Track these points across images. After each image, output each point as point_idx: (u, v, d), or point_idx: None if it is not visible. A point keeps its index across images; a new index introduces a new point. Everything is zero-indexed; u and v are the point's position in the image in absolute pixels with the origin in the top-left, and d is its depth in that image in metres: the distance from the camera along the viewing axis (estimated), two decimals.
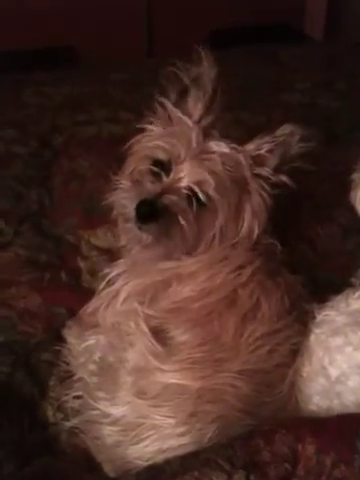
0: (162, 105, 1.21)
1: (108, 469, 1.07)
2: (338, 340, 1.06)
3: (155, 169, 1.15)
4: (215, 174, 1.13)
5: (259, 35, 2.96)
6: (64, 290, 1.37)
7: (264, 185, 1.18)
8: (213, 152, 1.14)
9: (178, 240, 1.15)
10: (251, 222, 1.18)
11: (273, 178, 1.18)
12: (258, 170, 1.18)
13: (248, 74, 2.20)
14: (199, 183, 1.13)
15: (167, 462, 0.97)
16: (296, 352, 1.11)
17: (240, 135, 1.34)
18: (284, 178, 1.19)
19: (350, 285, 1.26)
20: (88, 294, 1.30)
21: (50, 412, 1.17)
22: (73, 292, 1.36)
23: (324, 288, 1.27)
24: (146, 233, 1.14)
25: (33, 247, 1.44)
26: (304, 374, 1.09)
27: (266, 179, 1.18)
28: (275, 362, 1.08)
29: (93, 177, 1.61)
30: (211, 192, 1.13)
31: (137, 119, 1.28)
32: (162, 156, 1.16)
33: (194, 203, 1.13)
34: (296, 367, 1.10)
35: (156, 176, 1.15)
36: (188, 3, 3.20)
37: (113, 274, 1.25)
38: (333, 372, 1.05)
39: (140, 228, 1.13)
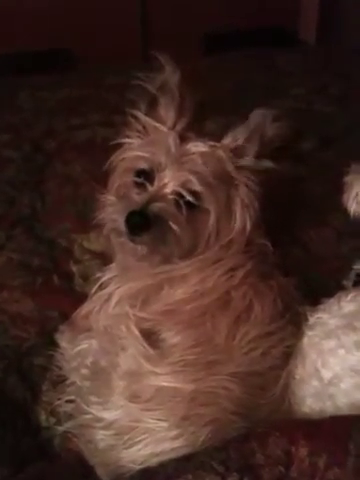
0: (135, 117, 1.22)
1: (102, 473, 1.06)
2: (331, 343, 1.06)
3: (139, 180, 1.16)
4: (198, 173, 1.13)
5: (253, 39, 2.97)
6: (57, 294, 1.36)
7: (249, 175, 1.18)
8: (192, 153, 1.15)
9: (173, 246, 1.14)
10: (242, 215, 1.18)
11: (256, 166, 1.18)
12: (240, 161, 1.18)
13: (242, 78, 2.20)
14: (183, 185, 1.13)
15: (161, 465, 0.96)
16: (289, 354, 1.11)
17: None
18: (267, 163, 1.19)
19: (343, 288, 1.26)
20: (81, 298, 1.30)
21: (43, 416, 1.16)
22: (66, 296, 1.36)
23: (318, 291, 1.26)
24: (140, 245, 1.13)
25: (25, 251, 1.44)
26: (297, 376, 1.09)
27: (250, 168, 1.18)
28: (268, 364, 1.08)
29: (86, 181, 1.61)
30: (197, 191, 1.13)
31: (131, 123, 1.28)
32: (143, 166, 1.16)
33: (183, 206, 1.13)
34: (289, 369, 1.09)
35: (141, 187, 1.15)
36: (183, 7, 3.20)
37: (105, 278, 1.24)
38: (326, 374, 1.05)
39: (133, 241, 1.13)
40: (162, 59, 1.18)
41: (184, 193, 1.13)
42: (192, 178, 1.13)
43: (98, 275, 1.27)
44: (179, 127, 1.18)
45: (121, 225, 1.12)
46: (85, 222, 1.49)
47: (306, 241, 1.49)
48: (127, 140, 1.22)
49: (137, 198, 1.14)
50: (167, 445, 1.01)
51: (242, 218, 1.18)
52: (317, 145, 1.84)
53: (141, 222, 1.10)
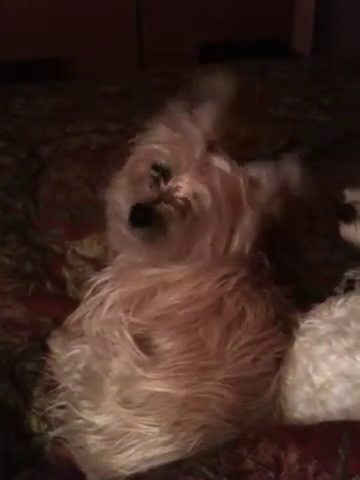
0: (173, 108, 1.20)
1: (93, 479, 1.06)
2: (322, 348, 1.07)
3: (154, 173, 1.14)
4: (213, 190, 1.12)
5: (248, 50, 3.00)
6: (49, 300, 1.36)
7: (256, 209, 1.17)
8: (214, 168, 1.14)
9: (165, 248, 1.14)
10: (241, 241, 1.17)
11: (265, 207, 1.17)
12: (253, 195, 1.16)
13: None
14: (196, 195, 1.12)
15: (151, 471, 0.97)
16: (280, 361, 1.11)
17: (229, 147, 1.35)
18: (274, 209, 1.18)
19: (334, 295, 1.26)
20: (73, 304, 1.29)
21: (34, 422, 1.16)
22: (58, 302, 1.35)
23: (310, 299, 1.26)
24: (134, 235, 1.13)
25: (18, 257, 1.43)
26: (288, 382, 1.09)
27: (258, 206, 1.17)
28: (259, 371, 1.08)
29: (80, 187, 1.62)
30: (206, 206, 1.13)
31: (125, 130, 1.28)
32: (163, 161, 1.14)
33: (187, 215, 1.13)
34: (280, 375, 1.10)
35: (154, 180, 1.14)
36: (179, 18, 3.23)
37: (99, 281, 1.24)
38: (317, 380, 1.05)
39: (130, 230, 1.12)
40: (221, 68, 1.17)
41: (193, 203, 1.12)
42: (206, 193, 1.12)
43: (92, 279, 1.26)
44: (210, 136, 1.15)
45: (124, 213, 1.11)
46: (78, 228, 1.50)
47: (298, 249, 1.50)
48: (155, 125, 1.20)
49: (147, 191, 1.13)
50: (158, 451, 1.01)
51: (241, 243, 1.17)
52: (310, 154, 1.85)
53: (145, 218, 1.09)
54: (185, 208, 1.12)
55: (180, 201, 1.12)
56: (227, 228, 1.15)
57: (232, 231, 1.16)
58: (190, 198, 1.12)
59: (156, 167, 1.15)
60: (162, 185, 1.12)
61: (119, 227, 1.16)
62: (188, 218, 1.13)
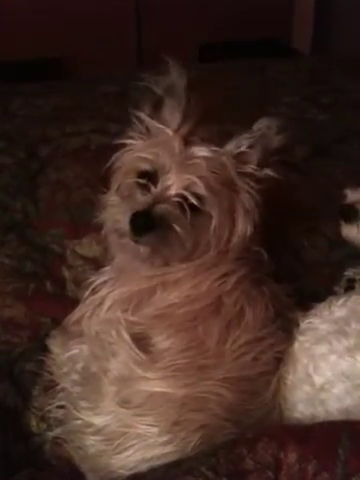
0: (138, 118, 1.22)
1: (92, 479, 1.06)
2: (322, 348, 1.07)
3: (142, 181, 1.16)
4: (202, 177, 1.14)
5: (248, 50, 2.99)
6: (49, 300, 1.36)
7: (251, 182, 1.18)
8: (197, 157, 1.15)
9: (175, 248, 1.15)
10: (244, 221, 1.18)
11: (258, 173, 1.19)
12: (243, 168, 1.18)
13: (235, 87, 2.22)
14: (188, 188, 1.13)
15: (150, 471, 0.97)
16: (279, 360, 1.11)
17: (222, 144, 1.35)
18: (268, 172, 1.19)
19: (335, 294, 1.26)
20: (73, 304, 1.30)
21: (33, 422, 1.16)
22: (58, 302, 1.35)
23: (309, 299, 1.26)
24: (143, 245, 1.13)
25: (18, 257, 1.43)
26: (288, 382, 1.09)
27: (251, 175, 1.19)
28: (259, 370, 1.08)
29: (79, 187, 1.62)
30: (201, 194, 1.13)
31: (125, 131, 1.28)
32: (147, 167, 1.16)
33: (187, 210, 1.13)
34: (280, 375, 1.10)
35: (144, 188, 1.15)
36: (178, 17, 3.23)
37: (99, 281, 1.24)
38: (317, 380, 1.06)
39: (136, 241, 1.13)
40: (170, 62, 1.18)
41: (188, 196, 1.13)
42: (197, 181, 1.13)
43: (91, 279, 1.27)
44: (183, 130, 1.18)
45: (125, 225, 1.12)
46: (78, 228, 1.50)
47: (298, 249, 1.50)
48: (129, 141, 1.22)
49: (141, 199, 1.14)
50: (158, 451, 1.01)
51: (243, 224, 1.18)
52: (309, 153, 1.85)
53: (145, 223, 1.10)
54: (183, 204, 1.13)
55: (175, 198, 1.13)
56: (228, 210, 1.16)
57: (233, 213, 1.17)
58: (183, 192, 1.13)
59: (142, 175, 1.17)
60: (153, 189, 1.14)
61: (125, 243, 1.16)
62: (188, 213, 1.13)
